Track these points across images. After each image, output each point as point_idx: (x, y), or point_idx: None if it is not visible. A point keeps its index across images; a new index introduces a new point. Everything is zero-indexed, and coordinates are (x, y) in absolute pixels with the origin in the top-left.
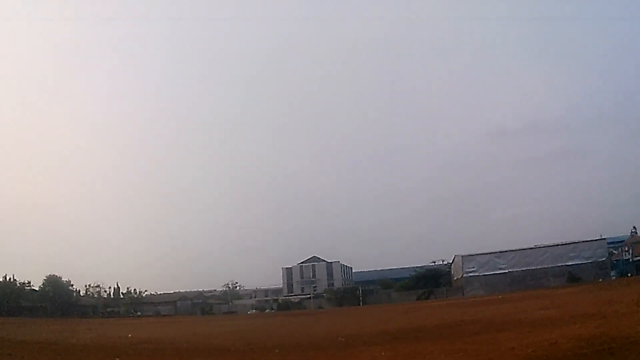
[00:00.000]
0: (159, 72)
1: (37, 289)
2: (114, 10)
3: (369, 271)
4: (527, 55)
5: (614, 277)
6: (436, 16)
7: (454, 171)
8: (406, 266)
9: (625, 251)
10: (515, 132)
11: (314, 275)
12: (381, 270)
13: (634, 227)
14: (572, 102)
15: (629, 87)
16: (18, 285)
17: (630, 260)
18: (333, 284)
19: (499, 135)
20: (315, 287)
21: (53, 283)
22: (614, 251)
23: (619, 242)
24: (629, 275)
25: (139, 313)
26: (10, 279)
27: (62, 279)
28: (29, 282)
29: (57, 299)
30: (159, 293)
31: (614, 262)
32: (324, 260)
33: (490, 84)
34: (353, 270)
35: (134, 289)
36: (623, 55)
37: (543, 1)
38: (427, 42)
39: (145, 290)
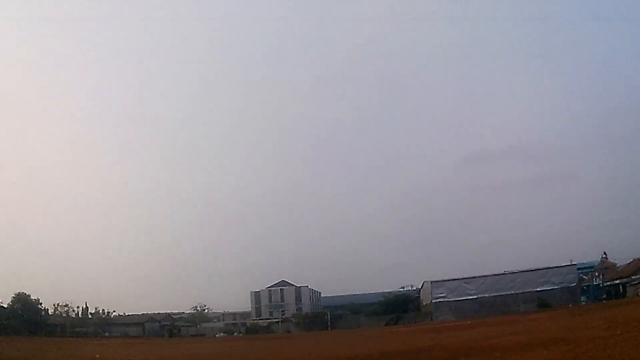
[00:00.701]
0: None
1: (5, 306)
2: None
3: (338, 296)
4: (507, 77)
5: (584, 303)
6: (413, 36)
7: (426, 196)
8: (375, 291)
9: (596, 276)
10: (490, 156)
11: (282, 300)
12: (350, 295)
13: (605, 253)
14: (550, 127)
15: (608, 114)
16: None
17: (601, 285)
18: (301, 308)
19: (473, 159)
20: (284, 311)
21: (22, 301)
22: (585, 277)
23: (589, 267)
24: (599, 300)
25: (107, 334)
26: None
27: (31, 297)
28: None
29: (25, 317)
30: (127, 314)
31: (585, 287)
32: (293, 285)
33: (469, 107)
34: (322, 295)
35: (103, 309)
36: (604, 83)
37: (523, 23)
38: (403, 63)
39: (114, 311)
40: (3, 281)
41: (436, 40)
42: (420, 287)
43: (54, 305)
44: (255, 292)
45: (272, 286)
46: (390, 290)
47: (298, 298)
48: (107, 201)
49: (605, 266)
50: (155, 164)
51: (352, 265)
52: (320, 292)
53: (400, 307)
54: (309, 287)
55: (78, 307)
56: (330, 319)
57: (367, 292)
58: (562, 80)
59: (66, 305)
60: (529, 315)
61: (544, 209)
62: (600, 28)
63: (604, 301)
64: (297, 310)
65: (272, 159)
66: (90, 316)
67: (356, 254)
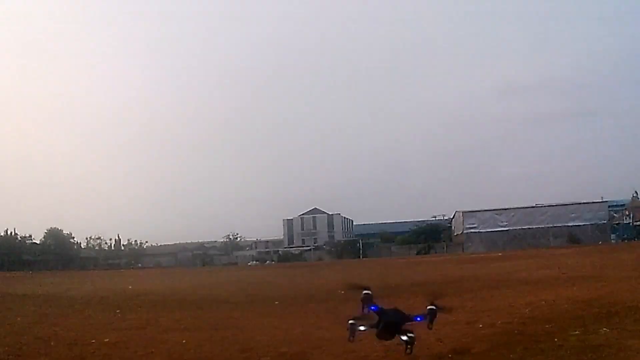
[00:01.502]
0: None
1: (38, 242)
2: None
3: (370, 224)
4: (539, 10)
5: (614, 241)
6: None
7: (458, 126)
8: (407, 220)
9: (627, 215)
10: (524, 89)
11: (314, 227)
12: (382, 223)
13: (636, 192)
14: (583, 60)
15: None
16: (19, 239)
17: (631, 224)
18: (334, 236)
19: (507, 91)
20: (316, 239)
21: (54, 236)
22: (615, 215)
23: (620, 205)
24: (629, 239)
25: (140, 265)
26: (11, 232)
27: (63, 231)
28: (30, 236)
29: (58, 252)
30: (159, 244)
31: (615, 225)
32: (325, 213)
33: (500, 39)
34: (354, 223)
35: (135, 241)
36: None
37: None
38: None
39: (146, 242)
40: (35, 217)
41: None
42: (452, 217)
43: (87, 238)
44: (287, 219)
45: (304, 214)
46: (422, 220)
47: (330, 226)
48: (137, 132)
49: (635, 205)
50: (187, 89)
51: (384, 194)
52: (352, 220)
53: (431, 236)
54: (341, 215)
55: (110, 239)
56: (362, 247)
57: (399, 221)
58: (594, 13)
59: (99, 238)
60: (559, 250)
61: (576, 144)
62: None
63: (633, 240)
64: (329, 238)
65: (304, 86)
66: (122, 248)
67: (389, 183)
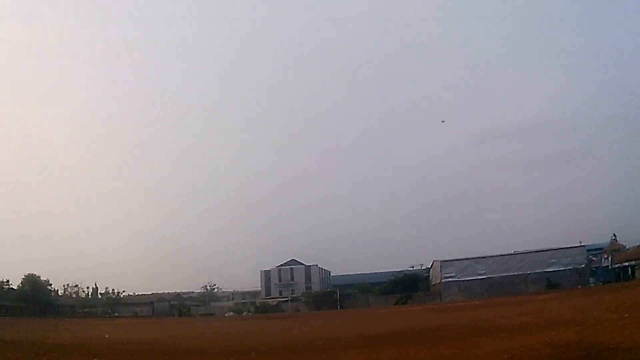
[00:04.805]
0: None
1: (15, 287)
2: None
3: (347, 275)
4: (523, 54)
5: (593, 285)
6: (427, 13)
7: (438, 175)
8: (384, 270)
9: (605, 258)
10: (507, 135)
11: (292, 279)
12: (359, 274)
13: (614, 235)
14: (560, 104)
15: (624, 89)
16: None
17: (610, 267)
18: (311, 287)
19: (490, 137)
20: (293, 290)
21: (31, 282)
22: (594, 258)
23: (598, 249)
24: (608, 282)
25: (117, 314)
26: None
27: (41, 278)
28: (7, 281)
29: (35, 299)
30: (136, 294)
31: (594, 269)
32: (302, 264)
33: (484, 83)
34: (331, 274)
35: (112, 289)
36: (623, 56)
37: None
38: (416, 39)
39: (123, 291)
40: (13, 263)
41: (446, 30)
42: (430, 266)
43: (64, 285)
44: (265, 271)
45: (282, 265)
46: (400, 269)
47: (307, 277)
48: (117, 182)
49: (614, 248)
50: (163, 143)
51: (362, 244)
52: (329, 271)
53: (409, 286)
54: (319, 266)
55: (88, 287)
56: (340, 297)
57: (376, 271)
58: (576, 56)
59: (76, 286)
60: (538, 296)
61: (553, 188)
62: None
63: (612, 283)
64: (306, 289)
65: (283, 138)
66: (100, 296)
67: (366, 233)
